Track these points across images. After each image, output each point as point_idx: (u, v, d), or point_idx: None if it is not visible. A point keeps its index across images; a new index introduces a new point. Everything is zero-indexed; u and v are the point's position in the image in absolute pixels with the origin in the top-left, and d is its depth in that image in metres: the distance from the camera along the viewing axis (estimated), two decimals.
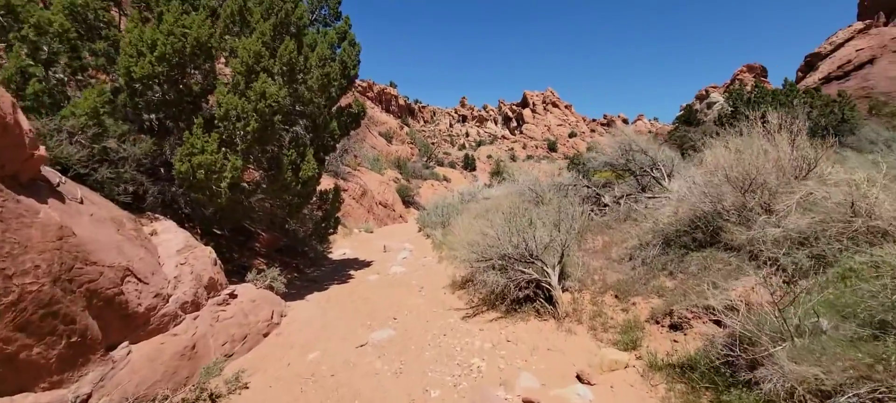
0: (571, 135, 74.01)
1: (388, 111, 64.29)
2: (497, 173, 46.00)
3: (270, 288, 7.77)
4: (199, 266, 6.22)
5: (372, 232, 20.72)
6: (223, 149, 6.97)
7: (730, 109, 20.52)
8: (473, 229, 10.32)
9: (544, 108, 78.73)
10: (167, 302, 5.21)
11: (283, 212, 9.20)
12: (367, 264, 12.27)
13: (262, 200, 9.09)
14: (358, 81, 67.31)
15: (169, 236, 6.51)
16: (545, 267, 6.35)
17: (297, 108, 8.60)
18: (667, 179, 8.84)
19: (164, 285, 5.31)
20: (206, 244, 8.89)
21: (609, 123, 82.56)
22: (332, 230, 10.66)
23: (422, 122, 79.26)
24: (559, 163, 63.76)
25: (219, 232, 10.03)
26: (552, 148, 70.73)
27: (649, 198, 8.27)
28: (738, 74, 74.17)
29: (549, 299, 6.29)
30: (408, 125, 66.68)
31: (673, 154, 9.72)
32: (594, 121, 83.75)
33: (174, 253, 6.05)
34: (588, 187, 10.24)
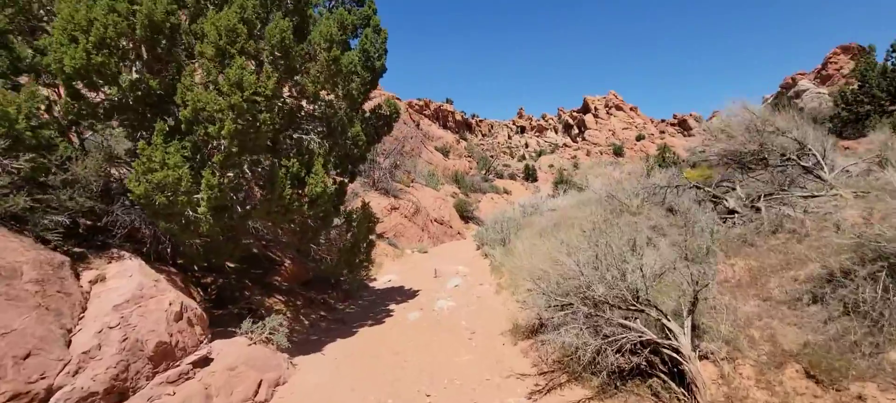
0: (639, 138, 68.27)
1: (445, 127, 62.84)
2: (561, 182, 42.68)
3: (268, 341, 5.75)
4: (145, 326, 4.27)
5: (426, 252, 18.62)
6: (190, 163, 5.08)
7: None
8: (539, 251, 7.82)
9: (607, 112, 73.56)
10: (51, 395, 3.24)
11: (296, 240, 7.25)
12: (411, 294, 10.07)
13: (270, 226, 7.22)
14: (414, 100, 66.86)
15: (119, 283, 4.65)
16: (665, 320, 3.73)
17: (305, 108, 6.64)
18: (826, 169, 5.83)
19: (55, 367, 3.35)
20: (195, 285, 7.13)
21: (681, 123, 75.52)
22: (363, 257, 8.58)
23: (479, 136, 77.12)
24: (628, 166, 58.81)
25: (228, 267, 8.28)
26: (618, 153, 65.56)
27: (806, 197, 5.33)
28: (830, 58, 65.24)
29: (678, 375, 3.65)
30: (465, 139, 64.77)
31: (821, 135, 6.62)
32: (663, 122, 76.99)
33: (109, 309, 4.14)
34: (698, 188, 7.30)
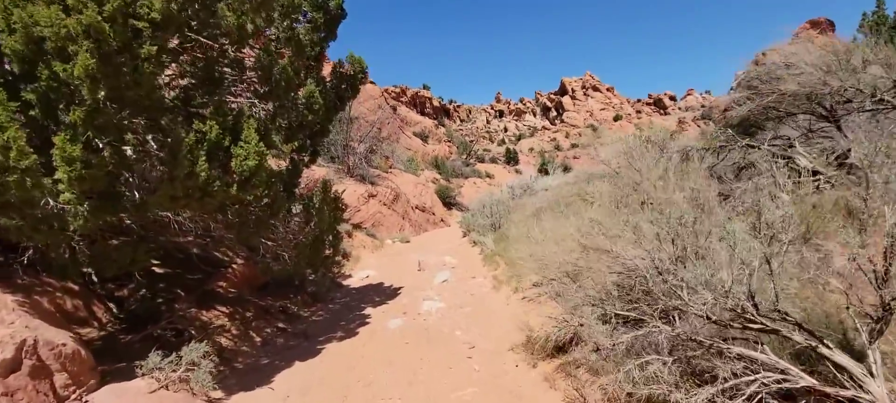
0: (617, 118, 67.52)
1: (422, 113, 60.77)
2: (544, 164, 41.43)
3: (185, 380, 3.96)
4: None
5: (408, 241, 16.88)
6: (38, 125, 3.22)
7: None
8: (551, 235, 6.21)
9: (584, 94, 72.53)
10: None
11: (236, 233, 5.42)
12: (392, 293, 8.34)
13: (205, 218, 5.39)
14: (391, 87, 64.46)
15: None
16: (826, 348, 2.10)
17: (231, 55, 4.79)
18: None
19: None
20: (107, 300, 5.28)
21: (656, 102, 75.16)
22: (329, 253, 6.80)
23: (458, 122, 75.29)
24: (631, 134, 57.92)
25: (157, 272, 6.40)
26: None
27: None
28: (799, 32, 65.26)
29: None
30: (443, 125, 62.91)
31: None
32: (639, 101, 76.43)
33: None
34: (751, 147, 5.62)
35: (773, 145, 5.34)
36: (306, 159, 6.57)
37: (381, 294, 8.51)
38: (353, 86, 6.69)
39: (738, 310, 2.21)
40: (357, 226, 15.65)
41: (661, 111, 70.76)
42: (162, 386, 3.80)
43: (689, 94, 73.53)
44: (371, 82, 36.60)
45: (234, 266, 7.25)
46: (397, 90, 65.76)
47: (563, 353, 3.90)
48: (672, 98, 76.23)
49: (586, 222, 4.61)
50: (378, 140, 24.59)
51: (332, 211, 6.57)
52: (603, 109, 69.97)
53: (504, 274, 7.81)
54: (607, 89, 73.63)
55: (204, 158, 3.91)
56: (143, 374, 3.84)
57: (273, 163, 6.25)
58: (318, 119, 6.12)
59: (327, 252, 6.71)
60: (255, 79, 5.14)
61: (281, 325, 6.59)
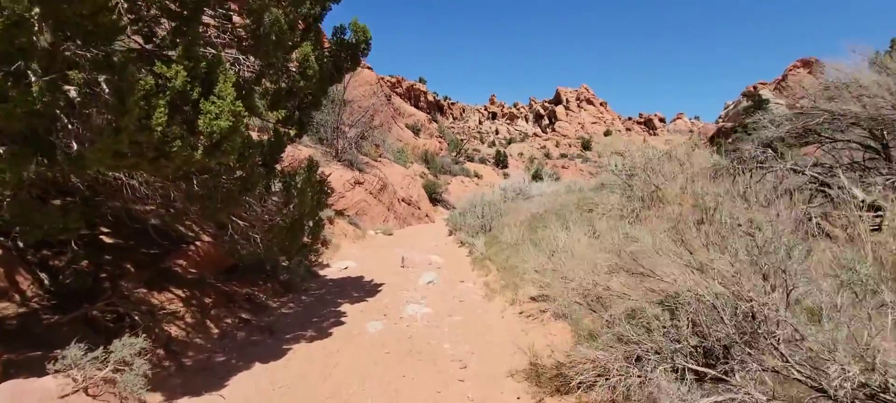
0: (607, 133, 67.71)
1: (417, 106, 59.83)
2: (536, 173, 41.06)
3: (111, 382, 3.16)
4: None
5: (391, 234, 16.14)
6: None
7: None
8: (555, 244, 5.58)
9: (578, 106, 72.55)
10: None
11: (201, 209, 4.61)
12: (372, 290, 7.60)
13: (165, 185, 4.57)
14: (387, 77, 63.30)
15: None
16: None
17: None
18: None
19: None
20: (37, 268, 4.43)
21: (646, 122, 75.73)
22: (307, 241, 6.01)
23: (451, 119, 74.53)
24: (595, 160, 57.78)
25: (105, 242, 5.54)
26: (586, 147, 64.77)
27: None
28: (790, 70, 66.70)
29: None
30: (436, 121, 62.12)
31: None
32: (630, 119, 76.89)
33: None
34: (796, 171, 4.99)
35: (816, 172, 4.78)
36: (292, 132, 5.76)
37: (361, 289, 7.75)
38: (353, 58, 5.91)
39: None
40: (340, 213, 14.81)
41: (650, 131, 71.30)
42: (79, 388, 2.99)
43: (678, 118, 74.29)
44: (368, 67, 35.56)
45: (198, 243, 6.40)
46: (393, 80, 64.70)
47: (580, 390, 3.23)
48: (661, 119, 76.92)
49: (619, 237, 3.94)
50: (370, 127, 23.68)
51: (316, 195, 5.78)
52: (594, 123, 70.15)
53: (496, 281, 7.14)
54: (600, 104, 73.87)
55: (163, 109, 3.11)
56: (57, 371, 3.03)
57: (253, 134, 5.46)
58: (310, 87, 5.32)
59: (306, 239, 5.91)
60: (240, 31, 4.33)
61: (244, 316, 5.78)
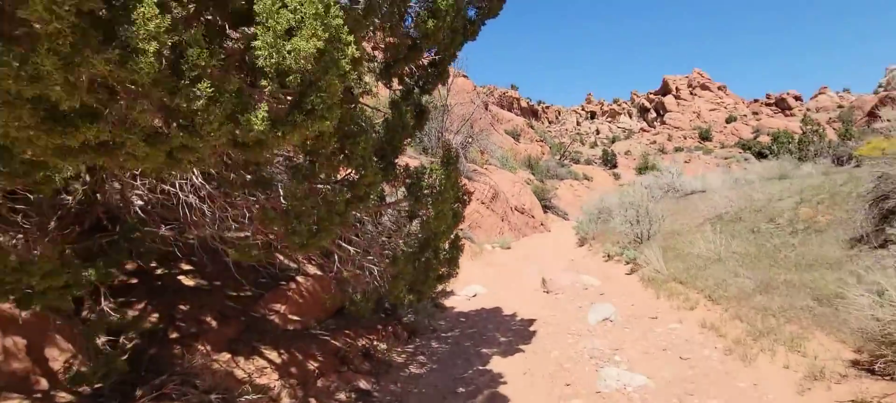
0: (730, 119, 58.53)
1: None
2: (645, 168, 36.24)
3: None
4: None
5: (509, 247, 13.92)
6: None
7: None
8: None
9: (691, 93, 64.00)
10: None
11: (286, 234, 2.79)
12: (522, 332, 5.41)
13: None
14: (479, 87, 62.06)
15: None
16: None
17: None
18: None
19: None
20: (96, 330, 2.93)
21: (778, 102, 64.09)
22: (443, 270, 4.02)
23: (546, 123, 70.74)
24: (719, 152, 49.77)
25: (183, 283, 4.09)
26: (705, 137, 56.45)
27: None
28: None
29: None
30: (532, 127, 59.20)
31: None
32: (756, 101, 65.69)
33: None
34: None
35: None
36: (410, 119, 3.83)
37: (506, 330, 5.60)
38: (439, 75, 3.88)
39: None
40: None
41: (785, 111, 60.34)
42: None
43: (821, 93, 61.94)
44: (463, 75, 34.23)
45: (301, 278, 4.75)
46: (485, 90, 63.26)
47: None
48: (797, 97, 64.85)
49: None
50: (471, 134, 21.92)
51: (454, 202, 3.76)
52: (713, 110, 61.41)
53: (727, 322, 4.48)
54: (719, 88, 64.59)
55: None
56: None
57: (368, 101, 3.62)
58: (442, 37, 3.33)
59: (442, 270, 3.91)
60: None
61: (363, 385, 3.92)
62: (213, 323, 3.74)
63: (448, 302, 7.31)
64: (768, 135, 47.39)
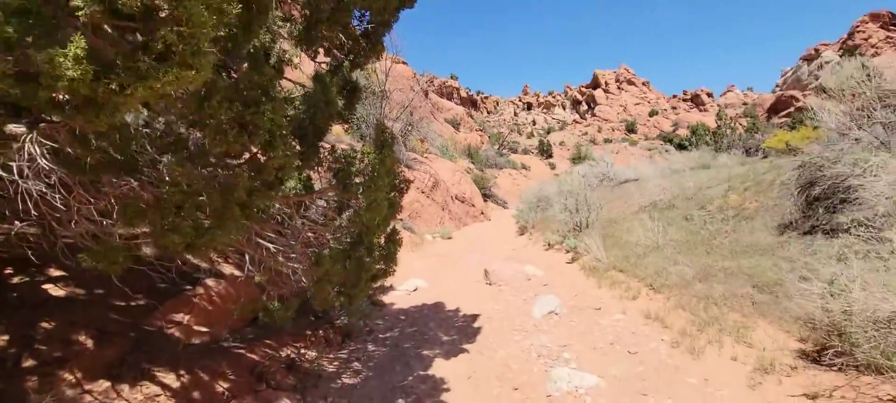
0: (652, 113, 62.75)
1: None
2: (578, 158, 37.72)
3: None
4: None
5: (451, 237, 13.65)
6: None
7: None
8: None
9: (618, 88, 67.74)
10: None
11: (160, 231, 2.15)
12: (466, 329, 5.07)
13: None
14: (417, 74, 61.26)
15: None
16: None
17: None
18: None
19: None
20: None
21: (693, 98, 69.77)
22: (379, 267, 3.53)
23: (485, 113, 71.59)
24: (643, 143, 53.16)
25: (53, 292, 3.24)
26: (631, 129, 60.11)
27: None
28: (857, 26, 59.75)
29: None
30: (472, 116, 59.57)
31: None
32: (675, 97, 71.06)
33: None
34: None
35: None
36: (337, 97, 3.27)
37: (449, 327, 5.23)
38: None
39: None
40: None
41: (700, 107, 65.75)
42: None
43: (729, 91, 68.20)
44: (402, 62, 33.36)
45: (211, 281, 4.03)
46: (425, 78, 62.58)
47: None
48: (709, 94, 70.99)
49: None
50: (411, 123, 21.38)
51: (390, 191, 3.27)
52: (637, 104, 65.42)
53: (670, 313, 4.42)
54: (643, 83, 68.91)
55: None
56: None
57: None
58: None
59: (377, 268, 3.42)
60: None
61: None
62: (89, 343, 2.98)
63: (387, 298, 6.82)
64: (686, 128, 51.44)
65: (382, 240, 3.58)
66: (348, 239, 3.00)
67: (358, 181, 2.79)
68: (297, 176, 3.01)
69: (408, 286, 7.45)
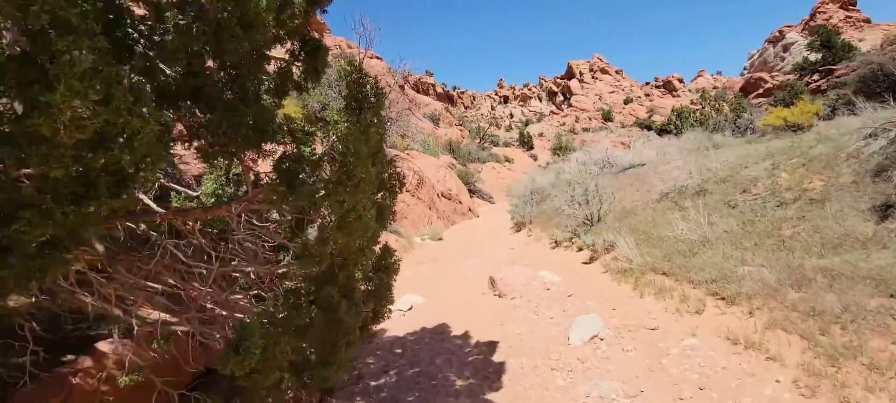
0: (627, 101, 62.58)
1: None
2: (560, 148, 36.83)
3: None
4: None
5: (441, 238, 12.34)
6: None
7: None
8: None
9: (592, 77, 67.38)
10: None
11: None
12: (484, 369, 3.77)
13: None
14: (393, 69, 59.63)
15: None
16: None
17: None
18: None
19: None
20: None
21: (665, 85, 69.99)
22: (370, 313, 2.21)
23: (462, 108, 70.39)
24: (620, 131, 52.82)
25: None
26: (607, 118, 59.80)
27: None
28: (819, 7, 60.84)
29: None
30: (450, 112, 58.28)
31: None
32: (648, 84, 71.14)
33: None
34: None
35: None
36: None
37: (462, 364, 3.93)
38: None
39: None
40: None
41: (672, 93, 66.05)
42: None
43: (699, 76, 68.77)
44: (377, 57, 31.74)
45: (106, 345, 2.60)
46: (401, 73, 60.89)
47: None
48: (680, 80, 71.41)
49: None
50: (389, 117, 19.95)
51: (380, 188, 1.93)
52: (612, 92, 65.26)
53: (757, 330, 3.21)
54: (616, 72, 68.82)
55: None
56: None
57: None
58: None
59: (363, 313, 2.08)
60: None
61: None
62: None
63: (383, 326, 5.47)
64: (660, 114, 51.41)
65: (369, 269, 2.25)
66: (310, 285, 1.68)
67: (319, 176, 1.45)
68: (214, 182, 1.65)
69: (402, 303, 6.11)
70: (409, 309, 5.98)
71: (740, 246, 4.49)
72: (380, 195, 2.16)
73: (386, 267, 2.30)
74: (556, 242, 8.34)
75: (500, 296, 5.90)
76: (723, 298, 3.86)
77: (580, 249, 7.33)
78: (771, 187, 5.33)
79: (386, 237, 10.32)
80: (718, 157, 7.22)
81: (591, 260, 6.57)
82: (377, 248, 2.30)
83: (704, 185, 6.40)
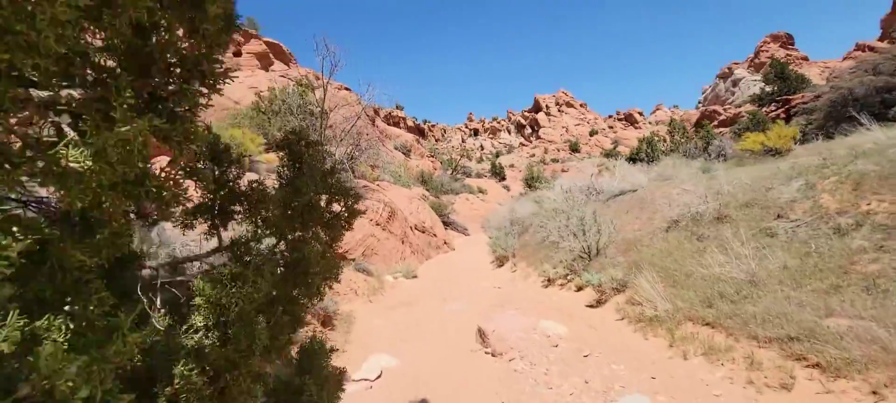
0: (592, 133, 63.91)
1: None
2: (533, 178, 36.42)
3: None
4: None
5: (415, 275, 10.97)
6: None
7: None
8: None
9: (559, 110, 68.72)
10: None
11: None
12: None
13: None
14: (362, 100, 58.85)
15: None
16: None
17: None
18: None
19: None
20: None
21: (627, 117, 72.30)
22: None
23: (433, 141, 70.05)
24: (588, 161, 53.53)
25: None
26: (575, 149, 60.71)
27: None
28: (762, 46, 64.84)
29: None
30: (421, 144, 57.67)
31: None
32: (610, 117, 73.38)
33: None
34: None
35: None
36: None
37: None
38: None
39: None
40: (343, 257, 9.58)
41: (634, 125, 68.12)
42: None
43: (657, 109, 71.45)
44: (346, 88, 30.72)
45: None
46: (371, 106, 60.12)
47: None
48: (640, 113, 74.01)
49: None
50: (358, 146, 18.70)
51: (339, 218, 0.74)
52: (578, 124, 66.64)
53: None
54: (581, 105, 70.56)
55: None
56: None
57: None
58: None
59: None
60: None
61: None
62: None
63: (346, 391, 4.04)
64: (624, 145, 52.54)
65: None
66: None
67: None
68: None
69: (369, 369, 4.70)
70: (378, 376, 4.58)
71: (807, 288, 3.44)
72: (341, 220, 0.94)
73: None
74: (548, 279, 7.17)
75: (493, 355, 4.62)
76: (817, 365, 2.74)
77: (580, 288, 6.18)
78: (814, 211, 4.38)
79: (352, 278, 8.89)
80: (728, 179, 6.34)
81: (599, 302, 5.41)
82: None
83: (724, 210, 5.44)
